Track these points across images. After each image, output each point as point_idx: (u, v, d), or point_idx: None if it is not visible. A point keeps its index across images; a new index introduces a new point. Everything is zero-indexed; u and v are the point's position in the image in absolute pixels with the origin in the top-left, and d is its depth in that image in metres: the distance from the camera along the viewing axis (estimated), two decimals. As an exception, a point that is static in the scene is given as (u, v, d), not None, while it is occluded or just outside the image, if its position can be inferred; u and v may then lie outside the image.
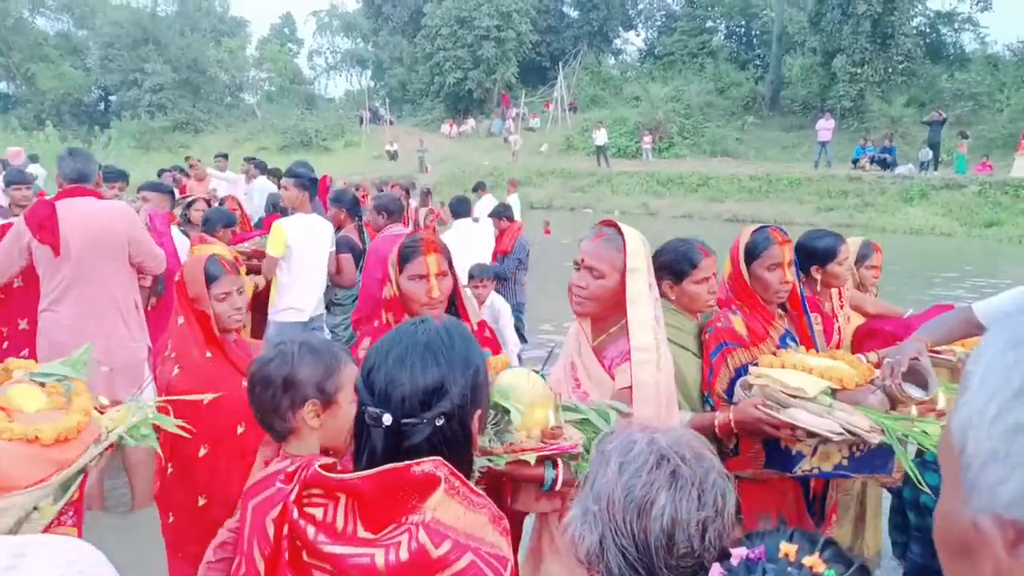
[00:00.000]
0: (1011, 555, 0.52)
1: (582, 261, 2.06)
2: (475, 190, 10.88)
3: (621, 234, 2.05)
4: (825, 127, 21.99)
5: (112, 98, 41.28)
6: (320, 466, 1.14)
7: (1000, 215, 17.24)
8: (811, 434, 2.05)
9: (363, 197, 9.60)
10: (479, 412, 1.20)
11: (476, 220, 7.36)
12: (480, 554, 1.06)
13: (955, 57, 29.38)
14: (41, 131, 32.71)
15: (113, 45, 37.92)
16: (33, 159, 13.58)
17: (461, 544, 1.06)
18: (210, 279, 2.41)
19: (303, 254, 4.53)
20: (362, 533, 1.08)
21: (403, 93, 39.71)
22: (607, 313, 2.07)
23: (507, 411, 1.80)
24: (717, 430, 2.25)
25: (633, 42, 39.04)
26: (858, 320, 3.38)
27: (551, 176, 25.17)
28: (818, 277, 3.05)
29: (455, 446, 1.15)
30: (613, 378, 2.01)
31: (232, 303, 2.43)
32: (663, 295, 2.41)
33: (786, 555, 0.91)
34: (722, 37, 36.27)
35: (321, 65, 49.31)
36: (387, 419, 1.12)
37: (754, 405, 2.13)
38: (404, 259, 2.06)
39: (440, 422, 1.12)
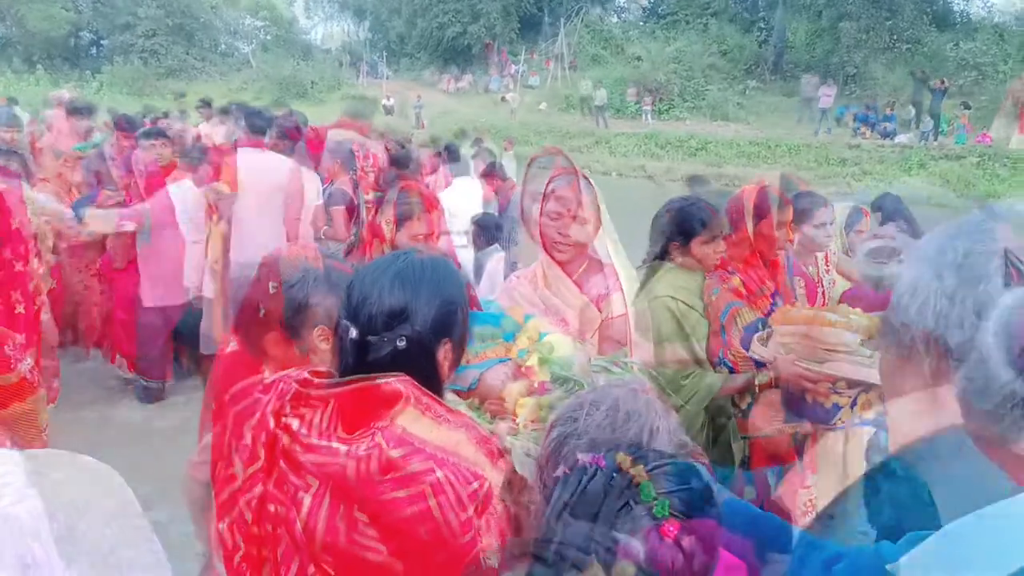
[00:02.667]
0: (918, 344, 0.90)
1: (569, 211, 2.11)
2: (472, 145, 10.79)
3: (588, 180, 2.17)
4: (826, 93, 21.77)
5: (104, 42, 40.40)
6: (299, 379, 1.21)
7: (997, 187, 17.18)
8: (853, 384, 2.08)
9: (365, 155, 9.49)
10: (446, 343, 1.24)
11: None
12: (446, 464, 1.11)
13: (961, 26, 28.94)
14: (32, 74, 32.12)
15: (105, -13, 37.07)
16: (13, 102, 13.32)
17: (423, 453, 1.11)
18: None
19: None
20: (340, 433, 1.16)
21: (401, 46, 38.95)
22: (579, 255, 2.19)
23: (580, 384, 1.85)
24: (757, 390, 2.35)
25: (636, 0, 38.26)
26: (845, 285, 3.37)
27: (548, 135, 24.88)
28: (795, 237, 3.02)
29: (418, 370, 1.20)
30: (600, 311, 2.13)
31: None
32: (669, 256, 2.50)
33: (619, 464, 0.96)
34: (727, -3, 35.60)
35: (318, 14, 48.22)
36: (353, 332, 1.19)
37: (792, 362, 2.17)
38: (403, 217, 2.02)
39: (401, 344, 1.18)
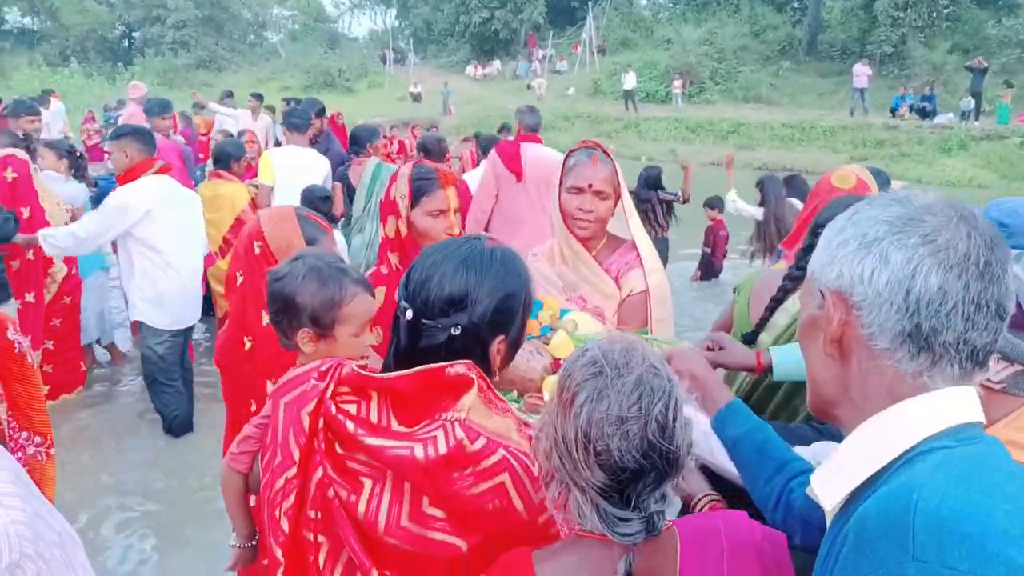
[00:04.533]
0: (831, 309, 0.86)
1: (589, 186, 2.10)
2: (499, 131, 10.68)
3: (608, 155, 2.16)
4: (863, 72, 21.19)
5: (136, 35, 40.89)
6: (356, 366, 1.19)
7: (1042, 168, 16.62)
8: None
9: (389, 141, 9.43)
10: (502, 338, 1.20)
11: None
12: (511, 451, 1.11)
13: (1003, 2, 27.98)
14: (66, 67, 32.60)
15: (136, -21, 37.44)
16: (48, 93, 13.50)
17: (493, 441, 1.10)
18: (309, 243, 2.04)
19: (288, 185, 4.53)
20: (396, 427, 1.13)
21: (428, 33, 38.82)
22: (598, 232, 2.19)
23: None
24: None
25: (667, -19, 37.63)
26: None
27: (577, 120, 24.63)
28: None
29: (470, 360, 1.15)
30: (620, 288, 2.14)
31: None
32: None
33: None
34: (760, -23, 34.83)
35: (345, 3, 48.23)
36: (408, 314, 1.17)
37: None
38: (419, 192, 1.94)
39: (456, 331, 1.15)
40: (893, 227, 0.82)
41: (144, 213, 3.62)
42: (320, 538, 1.15)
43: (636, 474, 0.97)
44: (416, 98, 28.56)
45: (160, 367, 3.92)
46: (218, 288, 4.12)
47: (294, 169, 4.60)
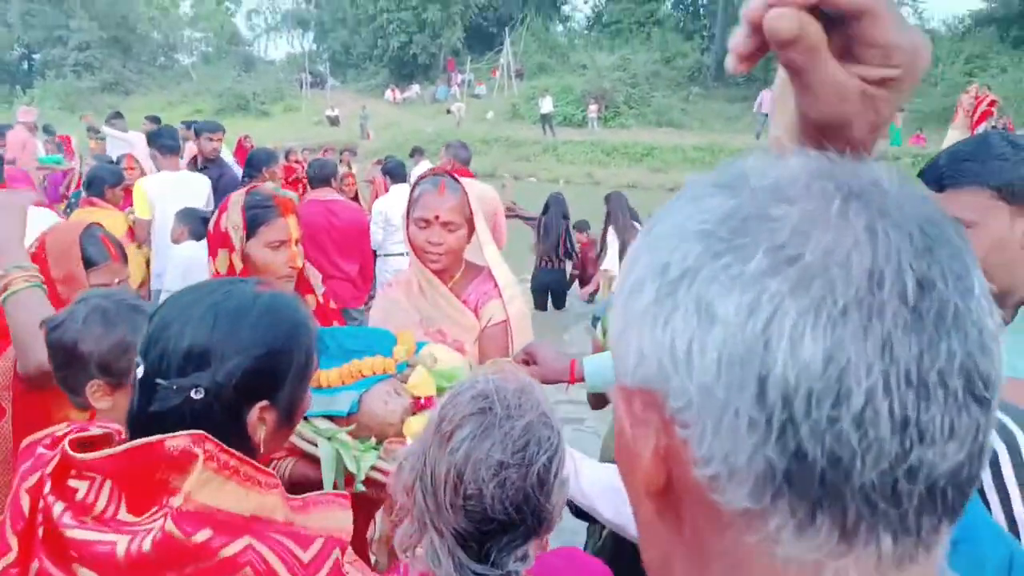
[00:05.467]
0: (635, 426, 0.41)
1: (436, 218, 2.00)
2: (411, 155, 10.62)
3: (456, 182, 2.07)
4: (767, 98, 22.13)
5: (36, 56, 39.05)
6: (77, 438, 0.96)
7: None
8: None
9: (296, 163, 9.19)
10: (264, 404, 0.99)
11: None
12: (265, 537, 0.91)
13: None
14: (-44, 90, 30.80)
15: (35, -1, 35.81)
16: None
17: (233, 528, 0.90)
18: (88, 263, 1.86)
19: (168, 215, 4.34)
20: (123, 515, 0.92)
21: (346, 57, 38.54)
22: (454, 263, 2.09)
23: None
24: None
25: (581, 9, 38.61)
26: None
27: (495, 144, 24.80)
28: None
29: (217, 434, 0.94)
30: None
31: None
32: None
33: None
34: (669, 6, 36.05)
35: (260, 25, 47.40)
36: (139, 371, 0.96)
37: None
38: (255, 221, 1.76)
39: (196, 395, 0.93)
40: (715, 242, 0.38)
41: None
42: None
43: (503, 527, 0.90)
44: (333, 122, 28.22)
45: None
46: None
47: (171, 197, 4.38)
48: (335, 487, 1.56)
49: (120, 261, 1.92)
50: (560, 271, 7.28)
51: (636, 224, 6.01)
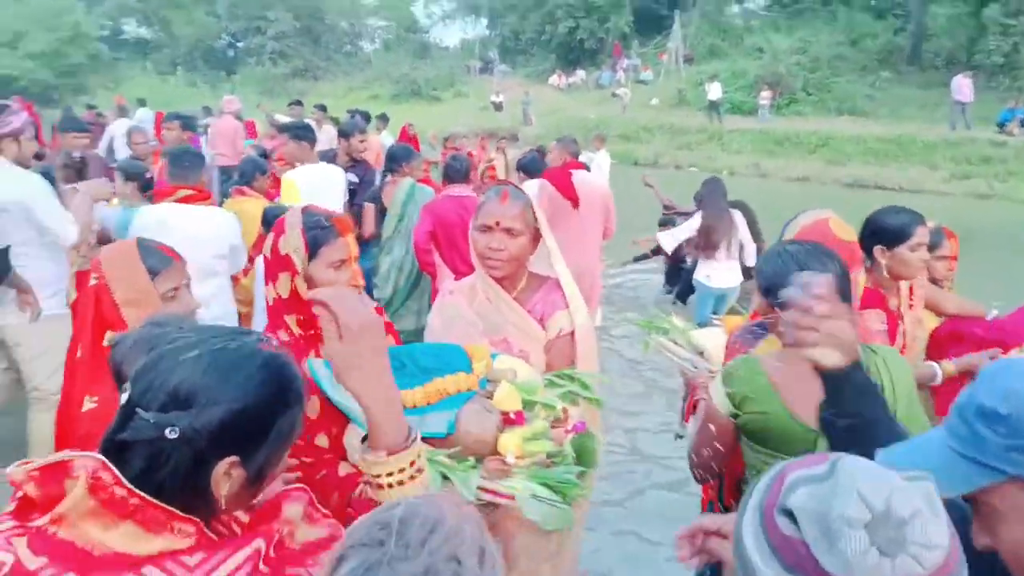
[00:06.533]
0: None
1: (497, 224, 2.03)
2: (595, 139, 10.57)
3: (521, 191, 2.09)
4: (963, 84, 19.83)
5: (239, 45, 42.99)
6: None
7: None
8: None
9: (453, 150, 9.41)
10: (233, 460, 0.96)
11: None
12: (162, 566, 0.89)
13: None
14: (173, 76, 34.58)
15: (240, -9, 39.36)
16: (141, 103, 14.27)
17: (80, 564, 0.86)
18: (152, 273, 1.87)
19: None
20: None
21: (516, 43, 39.07)
22: (517, 271, 2.09)
23: (551, 406, 1.79)
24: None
25: (760, -11, 36.44)
26: (934, 322, 2.91)
27: (658, 131, 24.19)
28: (883, 261, 2.61)
29: (180, 478, 0.93)
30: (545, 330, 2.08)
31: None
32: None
33: None
34: (860, -17, 33.25)
35: (436, 13, 49.15)
36: (124, 396, 0.95)
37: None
38: (316, 243, 1.74)
39: (171, 435, 0.91)
40: None
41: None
42: None
43: None
44: (498, 107, 28.76)
45: None
46: (240, 308, 4.14)
47: (317, 189, 4.58)
48: None
49: (181, 259, 1.97)
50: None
51: (737, 215, 5.60)
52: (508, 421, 1.75)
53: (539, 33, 35.27)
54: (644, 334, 2.82)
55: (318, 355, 1.75)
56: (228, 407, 0.94)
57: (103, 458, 0.91)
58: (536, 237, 2.11)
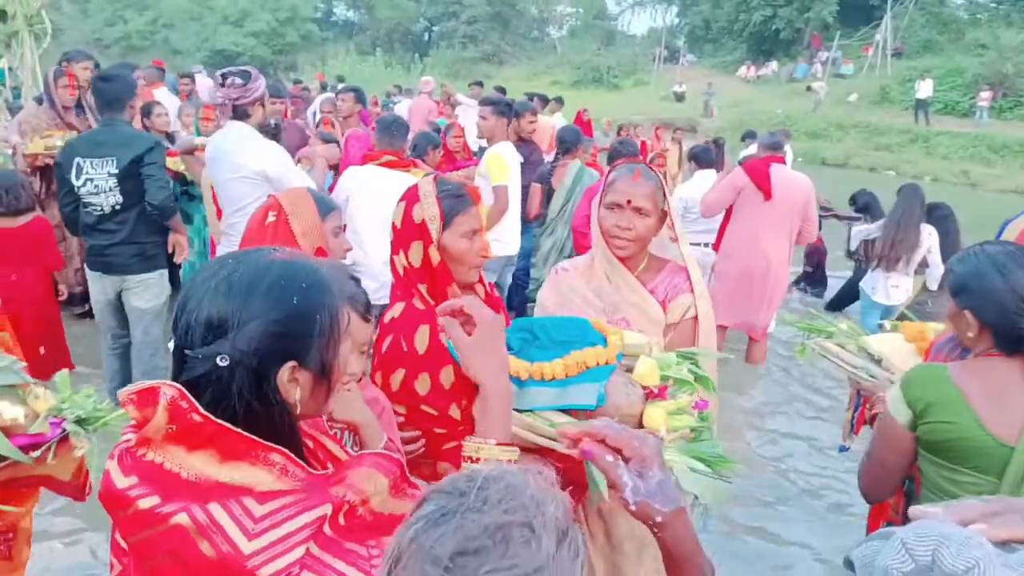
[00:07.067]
0: None
1: (628, 203, 2.01)
2: (743, 139, 10.11)
3: (653, 171, 2.07)
4: None
5: (435, 28, 44.96)
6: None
7: None
8: None
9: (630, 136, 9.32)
10: (293, 365, 1.00)
11: None
12: (210, 496, 0.93)
13: None
14: (372, 56, 36.89)
15: (439, -24, 41.10)
16: (340, 80, 15.35)
17: (169, 484, 0.93)
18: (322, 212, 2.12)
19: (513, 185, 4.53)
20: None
21: (706, 32, 37.72)
22: (640, 252, 2.09)
23: (687, 382, 1.79)
24: None
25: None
26: None
27: (852, 130, 22.43)
28: None
29: (252, 397, 0.98)
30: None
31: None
32: None
33: None
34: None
35: (627, 1, 48.58)
36: (171, 344, 1.01)
37: None
38: (451, 212, 1.74)
39: (223, 362, 0.97)
40: None
41: (344, 199, 3.93)
42: None
43: None
44: (679, 98, 28.01)
45: None
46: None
47: (515, 167, 4.66)
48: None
49: (339, 209, 2.20)
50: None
51: (928, 231, 4.98)
52: (651, 395, 1.73)
53: (731, 22, 33.79)
54: (800, 337, 2.62)
55: None
56: (263, 320, 0.98)
57: (181, 387, 0.96)
58: (663, 219, 2.09)
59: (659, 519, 0.95)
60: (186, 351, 0.98)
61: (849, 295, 6.26)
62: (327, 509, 0.97)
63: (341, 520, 0.98)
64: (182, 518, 0.91)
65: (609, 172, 2.13)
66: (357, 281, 1.58)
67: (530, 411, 1.65)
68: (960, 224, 5.33)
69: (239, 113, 3.39)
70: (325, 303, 1.04)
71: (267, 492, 0.95)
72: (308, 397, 1.04)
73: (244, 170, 3.34)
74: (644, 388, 1.73)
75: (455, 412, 1.73)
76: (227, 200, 3.49)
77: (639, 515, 0.96)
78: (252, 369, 0.98)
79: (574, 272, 2.17)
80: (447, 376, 1.71)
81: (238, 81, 3.36)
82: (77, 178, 3.69)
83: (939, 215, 5.23)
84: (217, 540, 0.91)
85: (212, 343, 0.97)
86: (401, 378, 1.72)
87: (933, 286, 4.90)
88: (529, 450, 1.65)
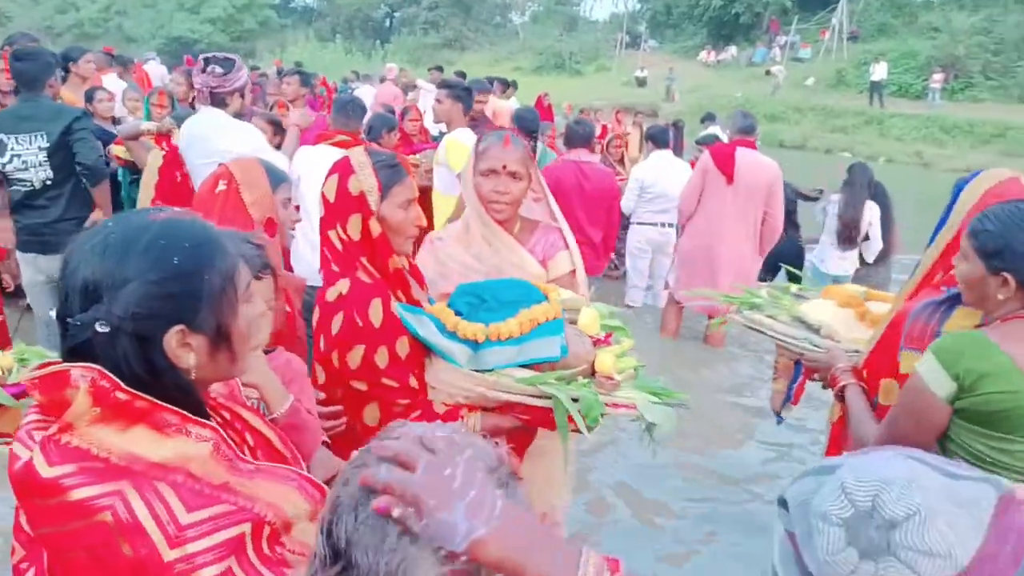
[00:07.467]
0: None
1: (503, 167, 2.11)
2: (703, 121, 10.22)
3: (519, 139, 2.20)
4: None
5: (396, 15, 44.43)
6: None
7: None
8: None
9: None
10: (181, 328, 0.95)
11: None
12: (148, 487, 0.89)
13: None
14: (332, 43, 36.37)
15: (399, -40, 40.60)
16: (298, 66, 15.16)
17: (101, 470, 0.89)
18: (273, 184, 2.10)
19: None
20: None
21: (667, 17, 37.89)
22: (514, 215, 2.19)
23: (622, 329, 1.97)
24: None
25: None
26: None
27: (810, 113, 22.83)
28: None
29: (140, 364, 0.93)
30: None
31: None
32: None
33: None
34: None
35: (589, -15, 48.59)
36: (52, 312, 1.01)
37: None
38: (389, 182, 1.74)
39: (103, 328, 0.91)
40: None
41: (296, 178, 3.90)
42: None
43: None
44: (641, 83, 28.16)
45: None
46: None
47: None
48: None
49: (288, 180, 2.22)
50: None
51: (871, 207, 5.10)
52: (597, 342, 1.89)
53: (692, 7, 33.98)
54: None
55: (397, 297, 1.80)
56: (140, 281, 0.92)
57: (99, 367, 0.91)
58: (530, 181, 2.21)
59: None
60: (67, 319, 0.94)
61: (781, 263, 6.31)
62: (247, 528, 0.94)
63: (265, 548, 0.96)
64: (107, 516, 0.88)
65: (478, 141, 2.24)
66: (258, 246, 1.59)
67: (491, 371, 1.76)
68: (913, 203, 5.46)
69: (216, 100, 3.41)
70: (215, 263, 0.98)
71: (197, 492, 0.92)
72: (207, 362, 0.99)
73: (218, 155, 3.31)
74: (590, 336, 1.89)
75: (413, 382, 1.78)
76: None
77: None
78: (133, 334, 0.93)
79: (450, 240, 2.23)
80: (402, 347, 1.75)
81: (219, 70, 3.36)
82: (2, 155, 3.62)
83: (877, 192, 5.36)
84: (138, 543, 0.88)
85: (89, 308, 0.92)
86: (361, 353, 1.72)
87: (870, 259, 5.03)
88: (493, 409, 1.78)
